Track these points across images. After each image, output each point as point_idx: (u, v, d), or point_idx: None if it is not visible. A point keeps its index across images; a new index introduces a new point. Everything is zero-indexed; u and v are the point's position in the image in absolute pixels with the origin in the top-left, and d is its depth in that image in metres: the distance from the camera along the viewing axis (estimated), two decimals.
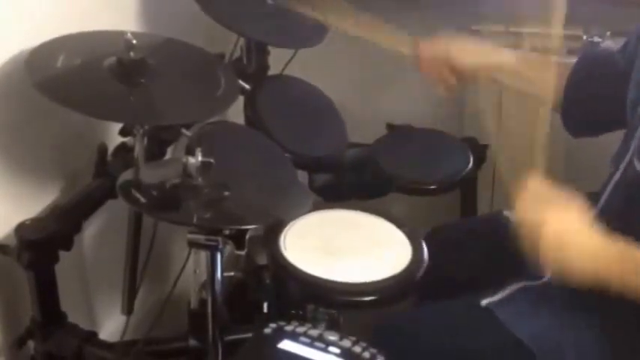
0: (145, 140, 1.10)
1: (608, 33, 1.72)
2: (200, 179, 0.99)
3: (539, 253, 0.95)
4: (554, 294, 1.02)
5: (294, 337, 0.96)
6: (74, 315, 1.17)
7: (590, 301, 0.96)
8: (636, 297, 0.90)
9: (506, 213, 1.18)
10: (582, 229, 0.96)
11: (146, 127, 1.09)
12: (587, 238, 0.95)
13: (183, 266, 1.12)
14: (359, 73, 1.86)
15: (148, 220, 1.18)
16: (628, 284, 0.91)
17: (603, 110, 1.13)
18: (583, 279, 0.93)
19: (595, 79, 1.16)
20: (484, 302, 1.04)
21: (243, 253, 1.07)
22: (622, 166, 1.02)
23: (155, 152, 1.26)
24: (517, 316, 1.02)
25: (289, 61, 1.52)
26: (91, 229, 1.33)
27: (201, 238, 1.04)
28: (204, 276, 1.10)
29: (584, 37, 1.72)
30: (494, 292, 1.06)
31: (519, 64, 1.21)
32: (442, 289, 1.12)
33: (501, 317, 1.02)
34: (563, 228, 0.95)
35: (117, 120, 1.11)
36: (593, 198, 1.10)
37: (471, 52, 1.26)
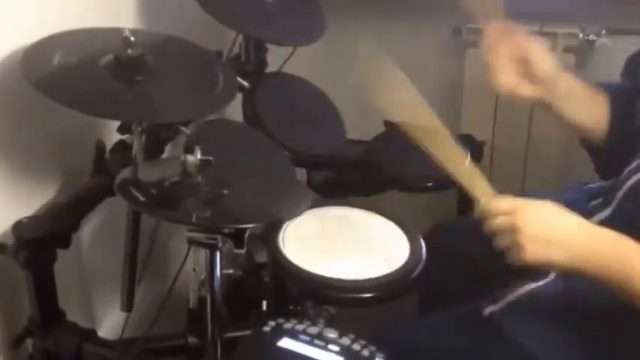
0: (144, 138, 1.09)
1: (604, 31, 1.72)
2: (199, 177, 0.99)
3: (515, 250, 0.88)
4: (558, 296, 1.00)
5: (293, 334, 0.96)
6: (73, 313, 1.17)
7: (596, 302, 0.95)
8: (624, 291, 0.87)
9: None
10: (559, 216, 0.91)
11: (144, 124, 1.09)
12: (567, 224, 0.90)
13: (182, 264, 1.12)
14: (357, 70, 1.85)
15: (146, 218, 1.18)
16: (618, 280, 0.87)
17: None
18: (566, 269, 0.89)
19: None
20: (487, 311, 1.02)
21: (242, 251, 1.07)
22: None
23: (153, 150, 1.25)
24: (521, 326, 0.99)
25: (288, 58, 1.52)
26: (89, 228, 1.32)
27: (200, 236, 1.04)
28: (203, 274, 1.10)
29: (581, 35, 1.73)
30: (497, 298, 1.03)
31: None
32: (444, 290, 1.11)
33: (506, 328, 0.99)
34: (539, 219, 0.89)
35: (114, 117, 1.10)
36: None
37: (551, 60, 1.09)
